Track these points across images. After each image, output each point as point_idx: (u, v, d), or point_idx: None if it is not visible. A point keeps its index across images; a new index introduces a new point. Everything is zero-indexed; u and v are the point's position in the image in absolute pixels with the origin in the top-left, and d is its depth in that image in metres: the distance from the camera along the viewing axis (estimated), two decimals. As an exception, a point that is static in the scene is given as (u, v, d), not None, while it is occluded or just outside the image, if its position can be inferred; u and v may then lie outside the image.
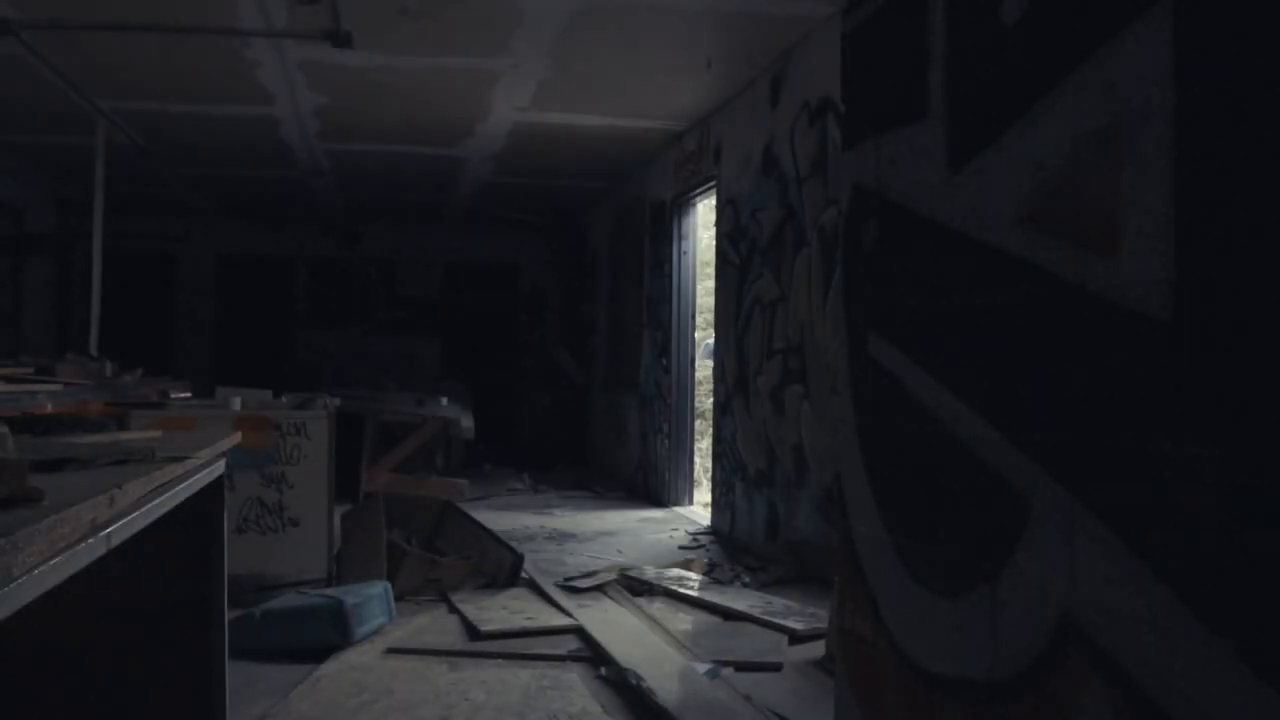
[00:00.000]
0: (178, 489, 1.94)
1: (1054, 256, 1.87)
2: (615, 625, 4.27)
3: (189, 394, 7.56)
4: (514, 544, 6.95)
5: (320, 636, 4.12)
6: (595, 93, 7.42)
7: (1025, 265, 1.93)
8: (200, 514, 2.38)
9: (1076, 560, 1.83)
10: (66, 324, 13.18)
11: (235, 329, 14.40)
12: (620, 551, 6.69)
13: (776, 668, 3.87)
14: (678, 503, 8.68)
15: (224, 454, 2.49)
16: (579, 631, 4.25)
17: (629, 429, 9.99)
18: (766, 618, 4.39)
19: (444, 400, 9.46)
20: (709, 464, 9.70)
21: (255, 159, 9.73)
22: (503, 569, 5.20)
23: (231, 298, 14.39)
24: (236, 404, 5.09)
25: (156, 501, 1.80)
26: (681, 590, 4.86)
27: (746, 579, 5.11)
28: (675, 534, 7.45)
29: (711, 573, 5.28)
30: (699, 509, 8.56)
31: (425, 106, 7.77)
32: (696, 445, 8.96)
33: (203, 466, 2.19)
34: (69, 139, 8.83)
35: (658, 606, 4.72)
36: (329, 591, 4.30)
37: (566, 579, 5.09)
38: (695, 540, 7.13)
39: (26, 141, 9.37)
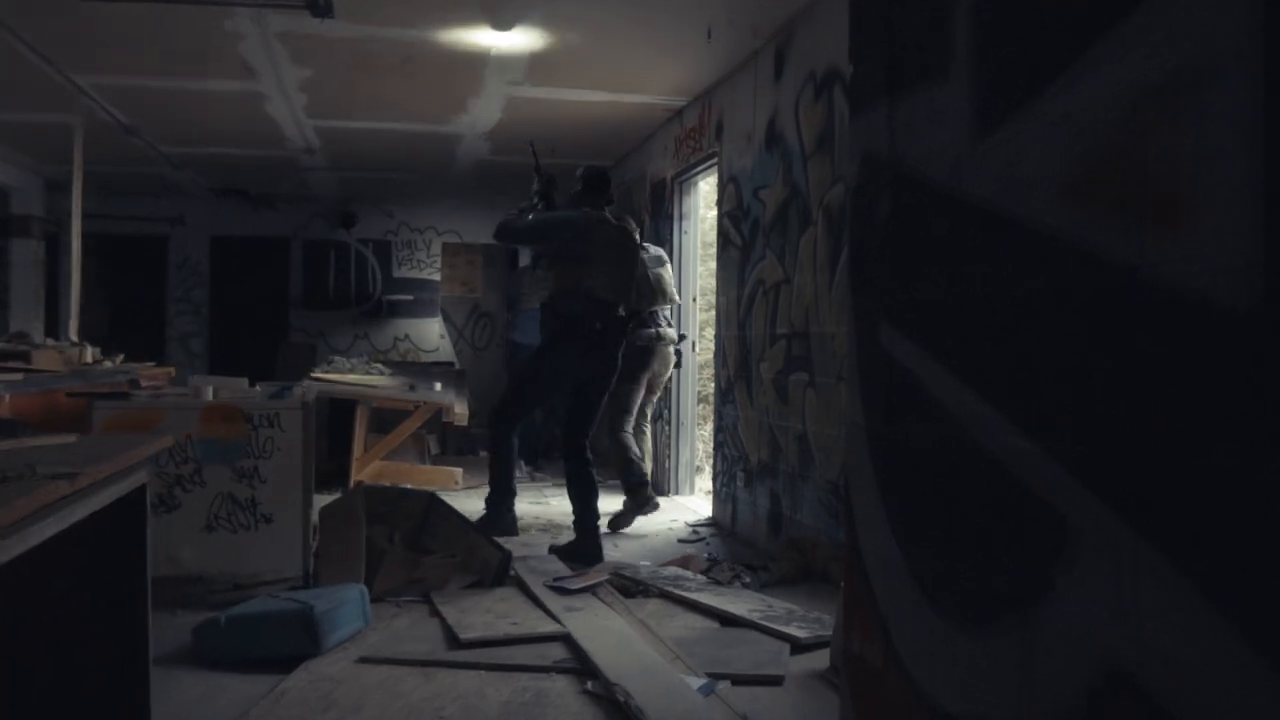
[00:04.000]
0: (64, 512, 1.65)
1: (1103, 235, 1.57)
2: (605, 632, 3.99)
3: (160, 382, 7.29)
4: (503, 538, 6.71)
5: (289, 645, 3.84)
6: (591, 66, 7.10)
7: (1067, 245, 1.63)
8: (116, 531, 2.10)
9: (1127, 595, 1.54)
10: (56, 308, 12.90)
11: (229, 312, 14.12)
12: (615, 545, 6.41)
13: (777, 681, 3.59)
14: (678, 491, 8.40)
15: (142, 465, 2.20)
16: (566, 639, 3.96)
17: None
18: (767, 624, 4.11)
19: (438, 385, 9.18)
20: (711, 453, 9.43)
21: (243, 137, 9.43)
22: (489, 568, 4.92)
23: (225, 280, 14.11)
24: (208, 393, 4.80)
25: (36, 526, 1.51)
26: (677, 592, 4.57)
27: (747, 579, 4.83)
28: (675, 525, 7.17)
29: (710, 571, 5.00)
30: (699, 498, 8.28)
31: (414, 81, 7.46)
32: (698, 432, 8.67)
33: (104, 485, 1.90)
34: (50, 117, 8.54)
35: (652, 609, 4.44)
36: (300, 596, 4.02)
37: (556, 579, 4.81)
38: (695, 533, 6.85)
39: (6, 120, 9.06)
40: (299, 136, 9.35)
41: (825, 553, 5.12)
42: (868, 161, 2.26)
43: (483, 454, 10.24)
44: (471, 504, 7.70)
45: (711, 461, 7.41)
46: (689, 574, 4.96)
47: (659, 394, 7.79)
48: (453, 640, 3.98)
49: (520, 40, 6.47)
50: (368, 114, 8.55)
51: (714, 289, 10.09)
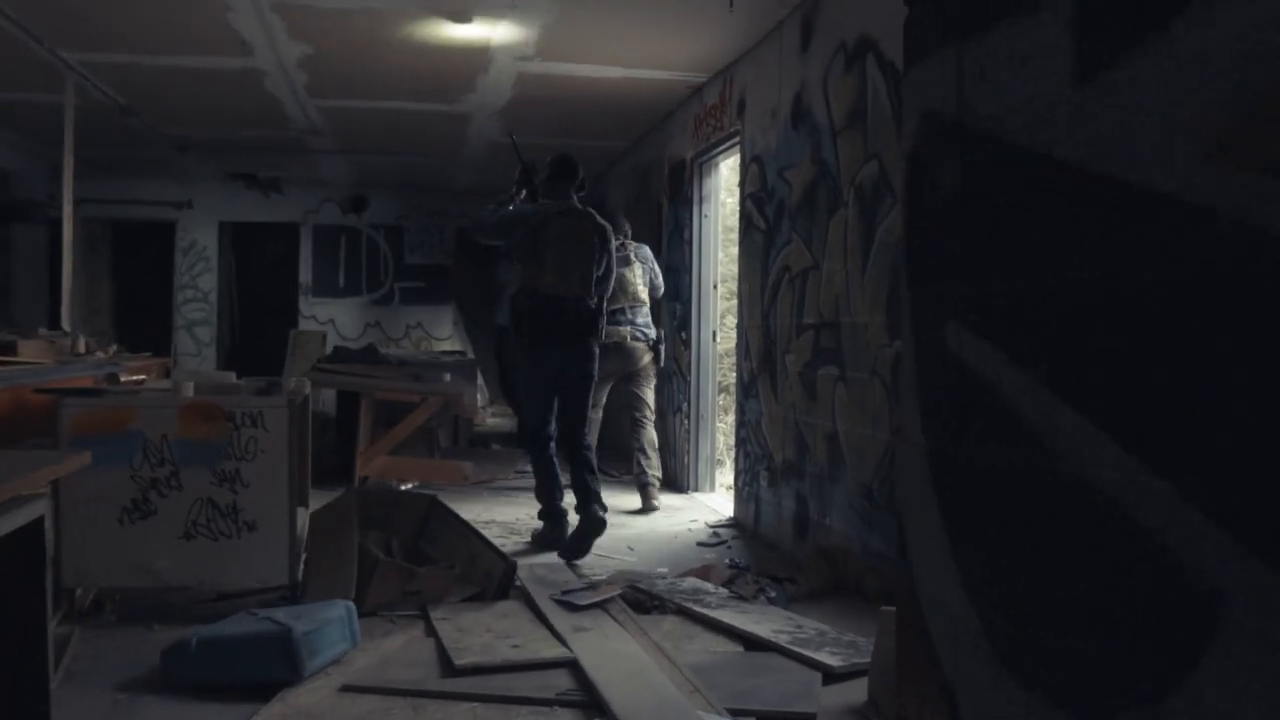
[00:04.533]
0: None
1: (1266, 206, 1.16)
2: (616, 658, 3.59)
3: (154, 374, 6.95)
4: (516, 537, 6.34)
5: (266, 670, 3.47)
6: (605, 39, 6.69)
7: (1214, 219, 1.22)
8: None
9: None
10: (60, 295, 12.58)
11: (238, 299, 13.79)
12: (631, 548, 6.02)
13: (809, 719, 3.19)
14: (698, 488, 8.00)
15: (39, 499, 1.81)
16: (573, 666, 3.57)
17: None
18: (796, 649, 3.70)
19: (447, 375, 8.80)
20: (732, 445, 9.02)
21: (245, 117, 9.06)
22: (492, 578, 4.54)
23: (234, 266, 13.78)
24: (189, 389, 4.43)
25: None
26: (696, 608, 4.17)
27: (773, 593, 4.42)
28: (694, 526, 6.77)
29: (732, 584, 4.60)
30: (720, 496, 7.88)
31: (418, 56, 7.07)
32: (718, 426, 8.27)
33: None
34: (41, 97, 8.16)
35: (668, 628, 4.04)
36: (280, 614, 3.64)
37: (564, 591, 4.42)
38: (715, 535, 6.45)
39: (3, 100, 8.70)
40: (302, 116, 8.98)
41: (857, 564, 4.71)
42: (929, 122, 1.85)
43: (495, 447, 9.89)
44: (481, 502, 7.34)
45: (733, 457, 7.00)
46: (709, 586, 4.56)
47: (642, 392, 7.85)
48: (447, 666, 3.59)
49: (530, 11, 6.06)
50: (372, 93, 8.16)
51: (735, 276, 9.69)
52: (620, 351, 7.63)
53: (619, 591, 4.38)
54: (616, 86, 7.80)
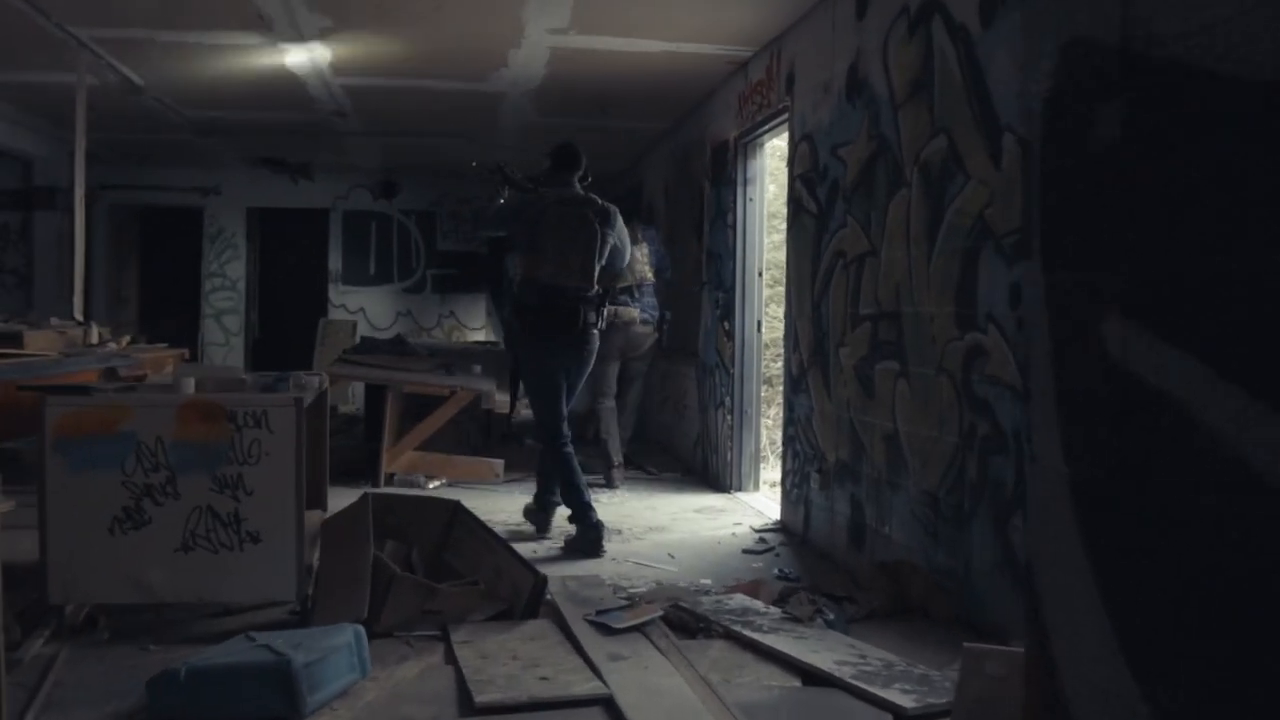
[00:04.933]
0: None
1: None
2: (656, 695, 3.17)
3: (168, 367, 6.59)
4: (549, 541, 5.92)
5: (261, 706, 3.08)
6: (644, 9, 6.25)
7: None
8: None
9: None
10: (87, 284, 12.30)
11: (266, 287, 13.49)
12: (672, 556, 5.60)
13: (881, 776, 2.76)
14: (741, 487, 7.56)
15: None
16: (607, 704, 3.15)
17: (687, 401, 8.87)
18: (861, 684, 3.26)
19: (478, 367, 8.41)
20: (777, 441, 8.58)
21: (268, 98, 8.68)
22: (520, 594, 4.12)
23: (262, 254, 13.48)
24: (188, 386, 4.04)
25: None
26: (747, 633, 3.73)
27: (830, 614, 3.98)
28: (738, 530, 6.34)
29: (785, 603, 4.15)
30: (765, 496, 7.44)
31: (445, 30, 6.66)
32: (763, 421, 7.82)
33: None
34: (53, 77, 7.81)
35: (715, 656, 3.61)
36: (279, 642, 3.24)
37: (599, 611, 3.99)
38: (762, 540, 6.01)
39: (10, 81, 8.37)
40: (327, 96, 8.59)
41: (923, 583, 4.26)
42: (1078, 53, 1.40)
43: (529, 442, 9.48)
44: (513, 501, 6.94)
45: (780, 457, 6.55)
46: (760, 605, 4.12)
47: (636, 372, 8.56)
48: (466, 702, 3.19)
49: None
50: (398, 70, 7.76)
51: (783, 262, 9.25)
52: (628, 333, 8.04)
53: (660, 613, 3.95)
54: (656, 62, 7.35)
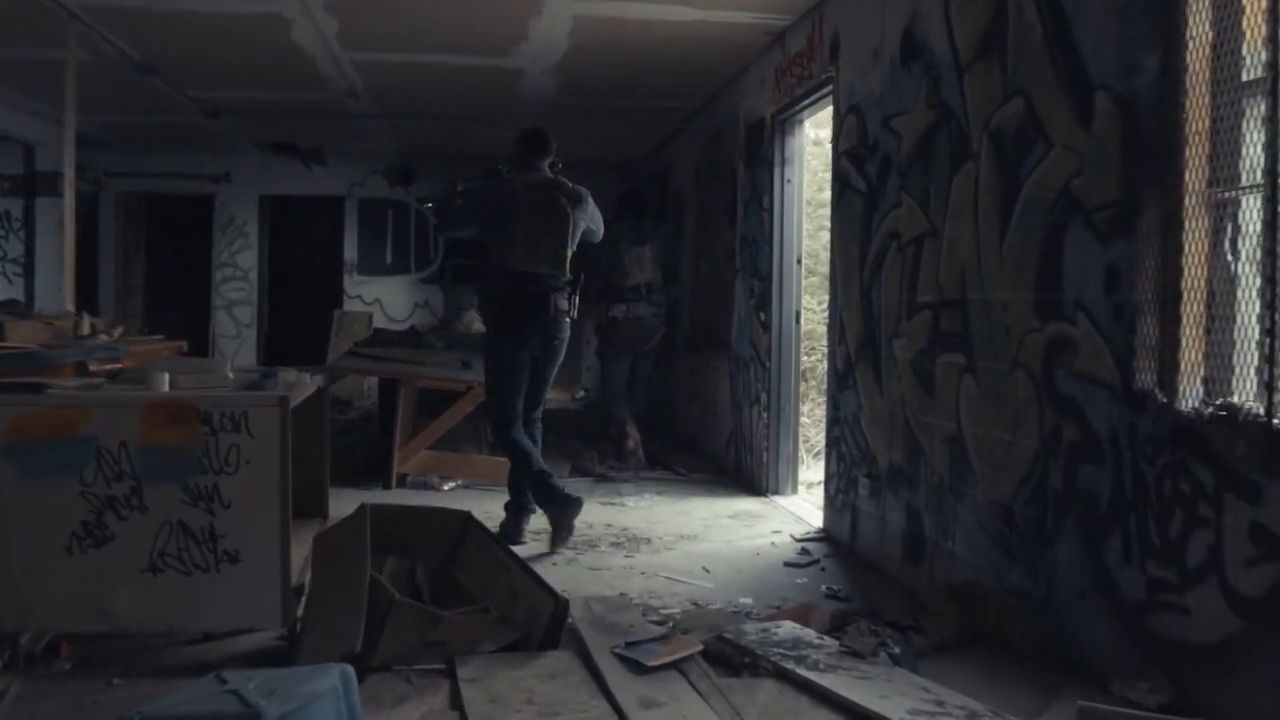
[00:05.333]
0: None
1: None
2: (699, 755, 2.65)
3: (169, 357, 6.12)
4: (570, 551, 5.42)
5: (227, 767, 2.57)
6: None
7: None
8: None
9: None
10: (93, 273, 11.89)
11: (279, 277, 13.04)
12: (707, 570, 5.08)
13: None
14: (778, 490, 7.03)
15: None
16: (640, 767, 2.64)
17: (718, 397, 8.34)
18: (943, 741, 2.73)
19: (496, 362, 7.90)
20: (815, 440, 8.06)
21: (274, 75, 8.20)
22: (538, 621, 3.61)
23: (275, 243, 13.02)
24: (161, 383, 3.54)
25: None
26: (801, 671, 3.20)
27: (895, 647, 3.44)
28: (777, 539, 5.81)
29: (843, 633, 3.61)
30: (803, 500, 6.91)
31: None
32: (801, 419, 7.29)
33: None
34: (51, 54, 7.32)
35: (765, 701, 3.07)
36: (253, 687, 2.73)
37: (628, 643, 3.47)
38: (804, 551, 5.48)
39: (4, 59, 7.91)
40: (337, 74, 8.09)
41: (999, 608, 3.73)
42: None
43: (549, 440, 8.98)
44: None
45: (823, 459, 6.01)
46: (812, 635, 3.58)
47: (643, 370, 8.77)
48: (471, 762, 2.68)
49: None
50: (411, 44, 7.25)
51: (818, 250, 8.72)
52: (639, 329, 8.35)
53: (699, 647, 3.43)
54: (686, 34, 6.82)
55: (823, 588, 4.73)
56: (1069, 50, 3.58)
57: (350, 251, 12.66)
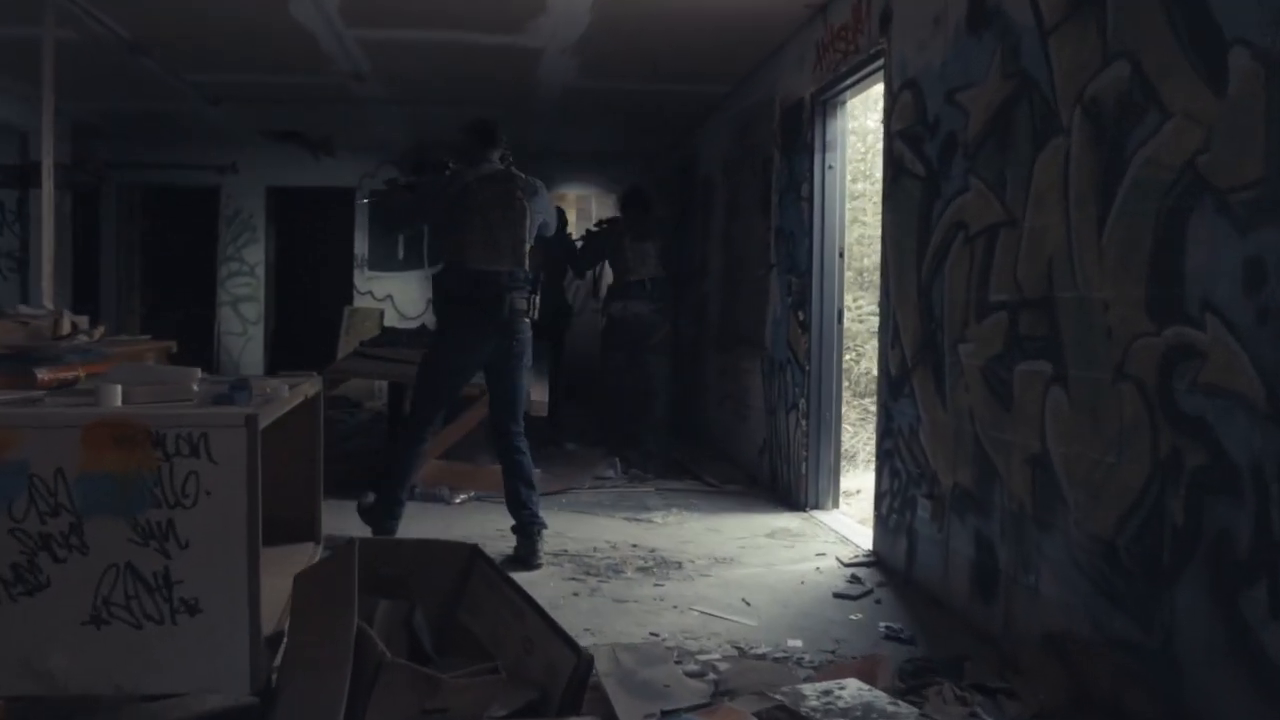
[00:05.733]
0: None
1: None
2: None
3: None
4: (593, 578, 4.86)
5: None
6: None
7: None
8: None
9: None
10: (87, 267, 11.37)
11: (287, 272, 12.51)
12: (748, 603, 4.50)
13: None
14: (817, 504, 6.45)
15: None
16: None
17: (751, 401, 7.75)
18: None
19: (512, 364, 7.33)
20: (849, 445, 7.51)
21: (274, 56, 7.66)
22: (557, 679, 3.04)
23: (282, 237, 12.49)
24: (112, 396, 2.99)
25: None
26: (877, 753, 2.63)
27: (987, 718, 2.85)
28: (823, 563, 5.23)
29: (922, 698, 3.03)
30: (845, 516, 6.33)
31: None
32: (843, 427, 6.70)
33: None
34: (30, 32, 6.80)
35: (836, 793, 2.50)
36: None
37: (666, 713, 2.90)
38: (855, 579, 4.90)
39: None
40: (341, 54, 7.54)
41: (1110, 669, 3.13)
42: None
43: (570, 447, 8.42)
44: (552, 521, 5.92)
45: (874, 476, 5.42)
46: (884, 701, 3.00)
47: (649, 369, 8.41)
48: None
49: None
50: (419, 19, 6.69)
51: (852, 241, 8.17)
52: (637, 326, 8.22)
53: (752, 714, 2.85)
54: (718, 7, 6.25)
55: (881, 626, 4.15)
56: (1192, 1, 2.99)
57: (361, 246, 12.13)
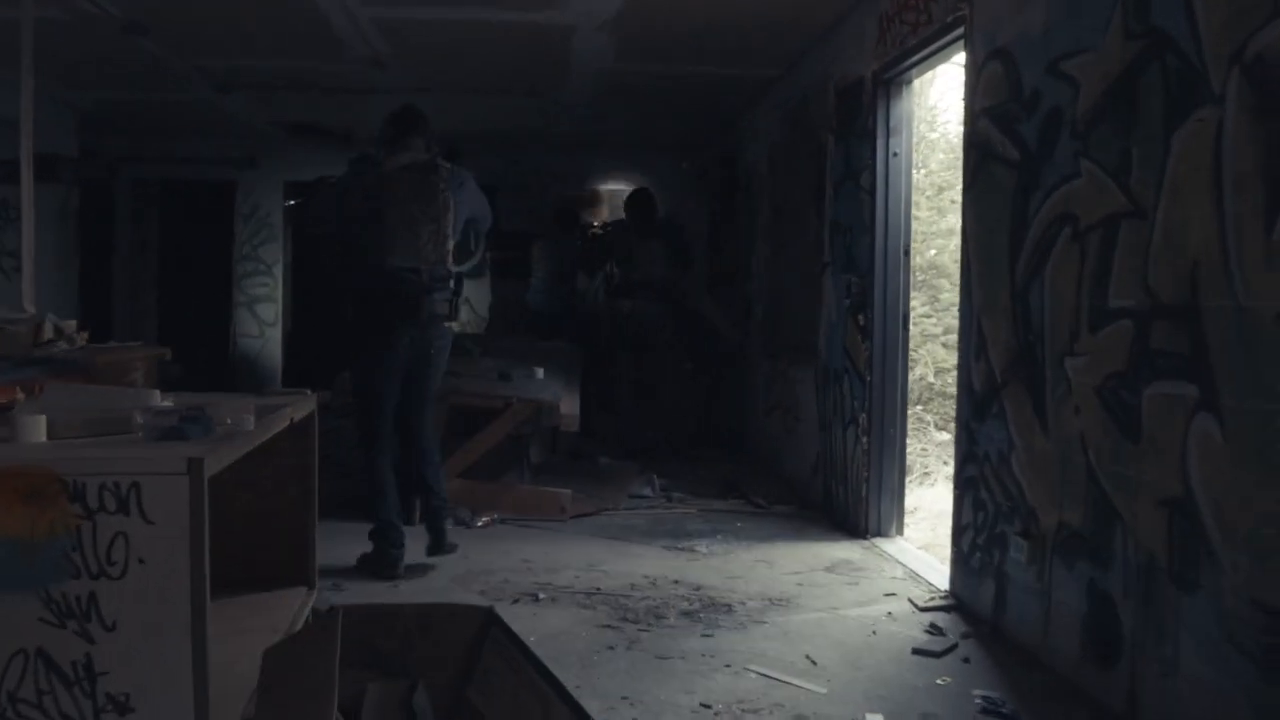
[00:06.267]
0: None
1: None
2: None
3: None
4: (633, 624, 4.21)
5: None
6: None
7: None
8: None
9: None
10: (107, 267, 10.84)
11: (307, 272, 11.92)
12: (812, 660, 3.84)
13: None
14: (879, 531, 5.78)
15: None
16: None
17: (801, 413, 7.08)
18: None
19: (539, 372, 6.72)
20: (912, 462, 6.85)
21: (284, 39, 7.05)
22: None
23: (303, 235, 11.89)
24: (35, 432, 2.37)
25: None
26: None
27: None
28: (894, 605, 4.56)
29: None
30: (909, 544, 5.66)
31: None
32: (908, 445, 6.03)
33: None
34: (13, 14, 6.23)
35: None
36: None
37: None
38: (934, 628, 4.22)
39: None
40: (356, 36, 6.92)
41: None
42: None
43: (604, 461, 7.79)
44: (582, 545, 5.33)
45: (952, 506, 4.73)
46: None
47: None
48: None
49: None
50: (439, -6, 6.08)
51: (915, 234, 7.48)
52: (645, 324, 8.36)
53: None
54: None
55: (975, 697, 3.48)
56: None
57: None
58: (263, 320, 11.38)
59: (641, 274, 8.46)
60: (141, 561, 2.19)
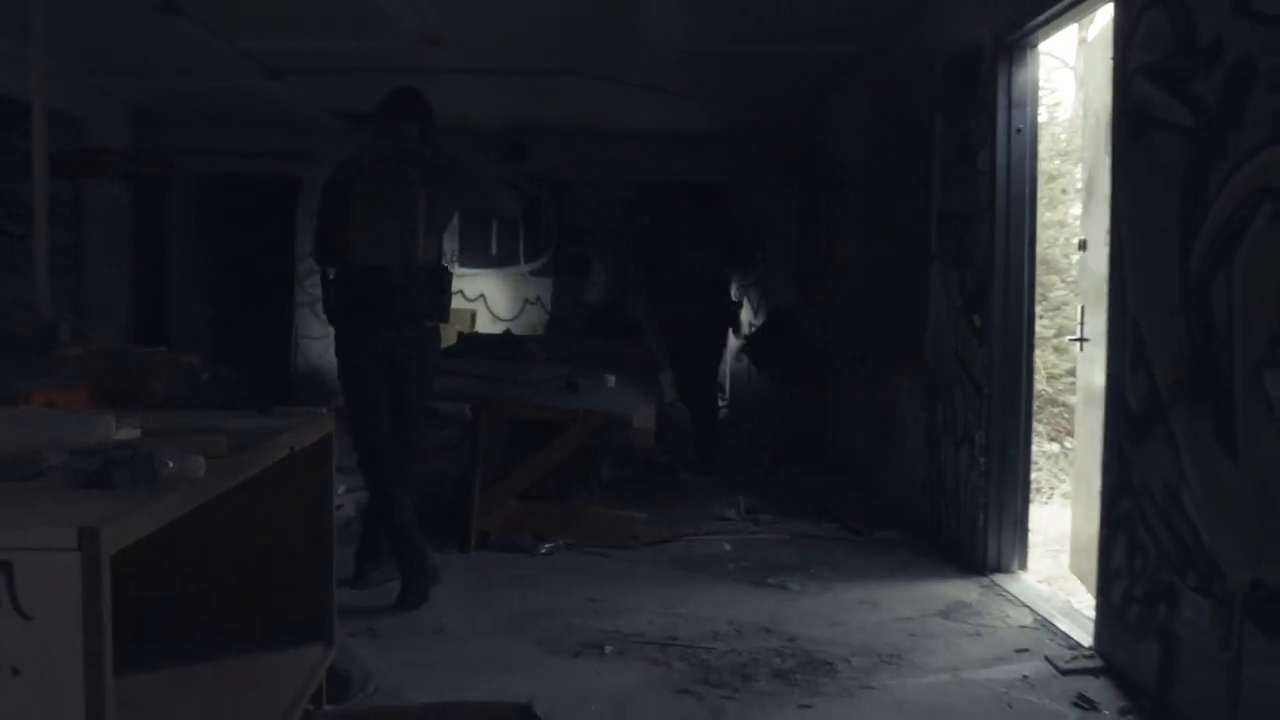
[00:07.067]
0: None
1: None
2: None
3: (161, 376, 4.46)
4: (713, 693, 3.51)
5: None
6: None
7: None
8: None
9: None
10: (152, 265, 10.38)
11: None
12: (934, 745, 3.10)
13: None
14: (999, 566, 5.01)
15: None
16: None
17: (904, 426, 6.30)
18: None
19: (610, 380, 6.03)
20: (1038, 483, 6.05)
21: (330, 15, 6.48)
22: None
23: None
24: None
25: None
26: None
27: None
28: (1029, 665, 3.79)
29: None
30: (1035, 582, 4.89)
31: None
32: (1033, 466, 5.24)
33: None
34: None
35: None
36: None
37: None
38: (1081, 699, 3.46)
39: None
40: (409, 12, 6.32)
41: None
42: None
43: (682, 475, 7.08)
44: (660, 582, 4.67)
45: (1099, 547, 3.94)
46: None
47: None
48: None
49: None
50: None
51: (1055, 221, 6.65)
52: (685, 323, 8.06)
53: None
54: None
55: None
56: None
57: (450, 240, 10.92)
58: (326, 321, 10.84)
59: (689, 273, 8.18)
60: (16, 673, 1.53)
